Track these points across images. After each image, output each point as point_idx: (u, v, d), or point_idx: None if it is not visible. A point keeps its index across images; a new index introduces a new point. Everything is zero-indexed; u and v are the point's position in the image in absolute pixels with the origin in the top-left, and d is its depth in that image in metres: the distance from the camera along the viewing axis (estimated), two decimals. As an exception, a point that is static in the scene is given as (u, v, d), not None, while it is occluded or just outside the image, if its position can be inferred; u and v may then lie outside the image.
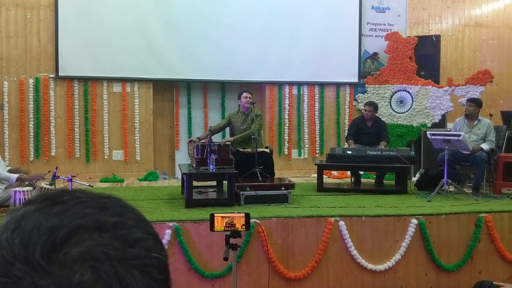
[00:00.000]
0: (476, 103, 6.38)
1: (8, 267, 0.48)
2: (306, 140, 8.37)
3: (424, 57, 8.19)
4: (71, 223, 0.50)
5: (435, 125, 7.91)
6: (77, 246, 0.49)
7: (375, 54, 8.47)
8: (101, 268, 0.48)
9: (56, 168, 5.22)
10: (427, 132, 6.33)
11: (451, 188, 6.00)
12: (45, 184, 4.90)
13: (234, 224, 3.28)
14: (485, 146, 6.07)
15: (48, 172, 5.45)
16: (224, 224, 3.28)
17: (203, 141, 5.84)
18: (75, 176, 5.27)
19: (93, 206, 0.53)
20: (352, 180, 6.98)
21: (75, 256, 0.48)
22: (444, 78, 8.27)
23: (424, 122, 8.02)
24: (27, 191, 4.63)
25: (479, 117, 6.36)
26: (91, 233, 0.50)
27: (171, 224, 4.50)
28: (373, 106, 6.89)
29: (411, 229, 4.88)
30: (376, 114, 6.99)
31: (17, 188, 4.68)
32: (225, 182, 5.70)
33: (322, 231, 4.74)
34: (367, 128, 6.87)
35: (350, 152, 6.36)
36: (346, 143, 7.05)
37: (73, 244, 0.49)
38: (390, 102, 8.19)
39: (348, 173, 7.45)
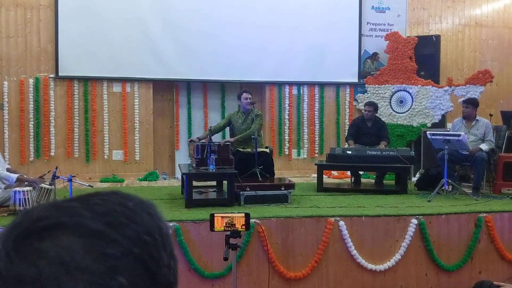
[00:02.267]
0: (472, 104, 6.36)
1: None
2: (306, 140, 8.37)
3: (424, 57, 8.19)
4: (56, 218, 0.50)
5: (435, 125, 7.90)
6: (43, 241, 0.49)
7: (375, 54, 8.47)
8: (48, 269, 0.47)
9: (56, 168, 5.22)
10: (427, 132, 6.33)
11: (451, 188, 6.01)
12: (45, 184, 4.90)
13: (234, 224, 3.28)
14: (484, 146, 6.06)
15: (48, 172, 5.45)
16: (224, 224, 3.28)
17: (203, 141, 5.84)
18: (75, 176, 5.27)
19: (97, 211, 0.53)
20: (352, 180, 6.98)
21: (35, 249, 0.48)
22: (444, 78, 8.26)
23: (424, 122, 8.02)
24: (27, 191, 4.63)
25: (477, 117, 6.35)
26: (67, 233, 0.50)
27: (171, 224, 4.49)
28: (373, 106, 6.89)
29: (411, 229, 4.88)
30: (376, 114, 7.00)
31: (17, 188, 4.68)
32: (225, 182, 5.70)
33: (322, 231, 4.73)
34: (367, 128, 6.88)
35: (350, 152, 6.36)
36: (346, 143, 7.05)
37: (41, 238, 0.49)
38: (390, 102, 8.19)
39: (348, 173, 7.45)
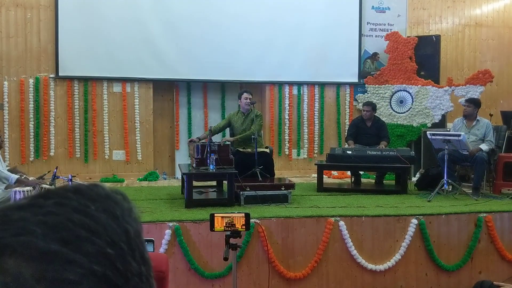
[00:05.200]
0: (474, 103, 6.38)
1: None
2: (306, 140, 8.36)
3: (424, 57, 8.19)
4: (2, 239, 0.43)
5: (435, 125, 7.90)
6: None
7: (375, 54, 8.47)
8: None
9: (56, 168, 5.22)
10: (427, 132, 6.33)
11: (451, 188, 6.01)
12: (45, 184, 4.90)
13: (234, 224, 3.27)
14: (484, 146, 6.06)
15: (48, 172, 5.45)
16: (224, 224, 3.28)
17: (203, 141, 5.84)
18: (75, 176, 5.27)
19: (50, 224, 0.44)
20: (352, 180, 6.98)
21: None
22: (444, 78, 8.26)
23: (424, 122, 8.02)
24: (27, 191, 4.63)
25: (478, 117, 6.36)
26: (14, 257, 0.42)
27: (171, 224, 4.50)
28: (371, 106, 6.90)
29: (411, 229, 4.88)
30: (376, 114, 7.00)
31: (17, 188, 4.68)
32: (225, 182, 5.70)
33: (322, 231, 4.74)
34: (367, 128, 6.88)
35: (350, 152, 6.36)
36: (346, 143, 7.05)
37: None
38: (390, 102, 8.19)
39: (348, 173, 7.44)
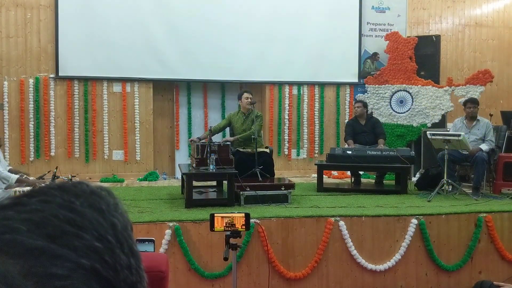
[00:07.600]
0: (478, 103, 6.45)
1: None
2: (305, 140, 8.36)
3: (424, 57, 8.18)
4: None
5: (435, 125, 7.90)
6: None
7: (375, 54, 8.47)
8: None
9: (56, 168, 5.22)
10: (427, 132, 6.33)
11: (451, 188, 6.01)
12: (44, 184, 4.90)
13: (234, 224, 3.27)
14: (484, 146, 6.07)
15: (48, 172, 5.45)
16: (224, 224, 3.28)
17: (203, 141, 5.84)
18: (75, 176, 5.28)
19: (35, 221, 0.44)
20: (352, 180, 6.98)
21: None
22: (444, 78, 8.26)
23: (424, 122, 8.01)
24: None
25: (478, 117, 6.38)
26: (0, 255, 0.41)
27: (171, 224, 4.50)
28: (362, 102, 7.08)
29: (411, 229, 4.88)
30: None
31: (17, 188, 4.69)
32: (225, 182, 5.70)
33: (322, 231, 4.74)
34: (362, 127, 6.94)
35: (350, 152, 6.36)
36: (345, 143, 7.05)
37: None
38: (390, 102, 8.19)
39: (348, 173, 7.45)
